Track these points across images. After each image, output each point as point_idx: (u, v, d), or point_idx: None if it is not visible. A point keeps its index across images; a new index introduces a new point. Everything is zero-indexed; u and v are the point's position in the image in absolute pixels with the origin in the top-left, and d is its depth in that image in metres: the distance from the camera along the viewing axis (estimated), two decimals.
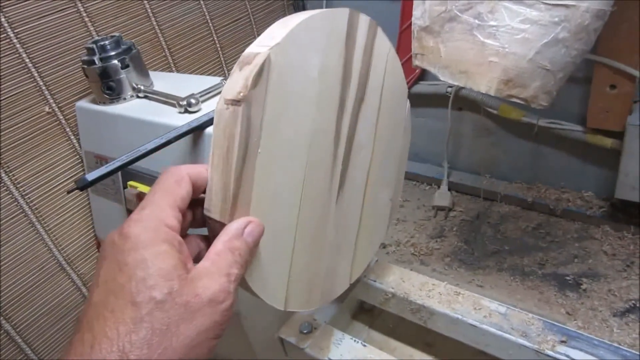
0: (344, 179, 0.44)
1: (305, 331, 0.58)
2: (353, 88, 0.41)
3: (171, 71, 0.82)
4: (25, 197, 0.64)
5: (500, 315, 0.55)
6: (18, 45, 0.60)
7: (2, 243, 0.62)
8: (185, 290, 0.26)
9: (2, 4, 0.58)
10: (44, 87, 0.64)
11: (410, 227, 0.95)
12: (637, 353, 0.49)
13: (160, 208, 0.29)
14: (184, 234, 0.32)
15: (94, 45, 0.61)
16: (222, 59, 0.91)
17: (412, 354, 0.68)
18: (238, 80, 0.32)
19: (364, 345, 0.55)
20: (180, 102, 0.55)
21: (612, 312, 0.69)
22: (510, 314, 0.55)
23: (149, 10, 0.76)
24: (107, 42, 0.61)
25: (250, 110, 0.32)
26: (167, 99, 0.59)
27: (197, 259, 0.31)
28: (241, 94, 0.31)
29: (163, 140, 0.46)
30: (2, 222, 0.62)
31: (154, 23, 0.78)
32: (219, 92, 0.47)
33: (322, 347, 0.56)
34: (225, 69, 0.92)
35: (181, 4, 0.81)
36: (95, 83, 0.62)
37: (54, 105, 0.66)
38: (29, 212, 0.65)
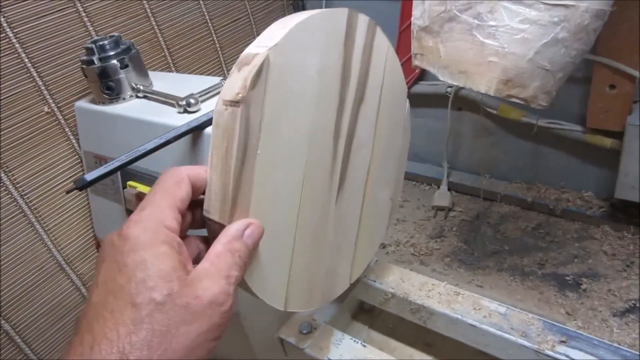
0: (344, 178, 0.44)
1: (305, 331, 0.58)
2: (352, 87, 0.41)
3: (170, 71, 0.82)
4: (25, 197, 0.64)
5: (500, 315, 0.55)
6: (17, 45, 0.60)
7: (1, 243, 0.62)
8: (185, 292, 0.26)
9: (1, 4, 0.58)
10: (43, 87, 0.64)
11: (410, 227, 0.95)
12: (637, 353, 0.49)
13: (160, 209, 0.29)
14: (183, 235, 0.32)
15: (93, 45, 0.61)
16: (221, 59, 0.91)
17: (412, 354, 0.68)
18: (237, 81, 0.32)
19: (364, 346, 0.55)
20: (180, 102, 0.55)
21: (612, 312, 0.69)
22: (510, 314, 0.55)
23: (148, 10, 0.76)
24: (106, 42, 0.61)
25: (249, 111, 0.31)
26: (167, 99, 0.59)
27: (196, 260, 0.31)
28: (240, 95, 0.31)
29: (162, 140, 0.46)
30: (1, 222, 0.62)
31: (154, 23, 0.77)
32: (219, 92, 0.47)
33: (322, 347, 0.56)
34: (224, 69, 0.92)
35: (180, 4, 0.81)
36: (95, 83, 0.62)
37: (53, 105, 0.65)
38: (28, 212, 0.64)
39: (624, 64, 0.68)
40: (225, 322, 0.28)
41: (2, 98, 0.60)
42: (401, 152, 0.53)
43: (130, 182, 0.57)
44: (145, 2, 0.75)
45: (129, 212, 0.60)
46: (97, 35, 0.69)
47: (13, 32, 0.60)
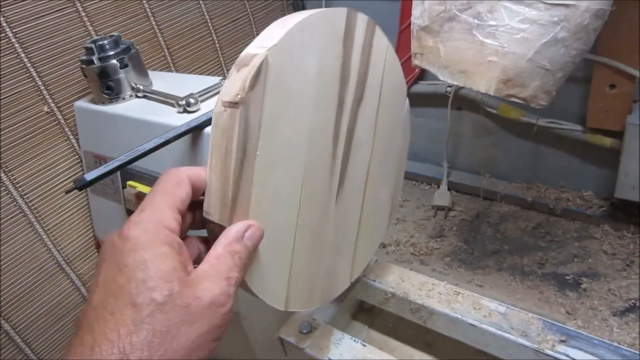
0: (344, 178, 0.44)
1: (304, 331, 0.58)
2: (352, 87, 0.41)
3: (170, 71, 0.82)
4: (24, 197, 0.64)
5: (499, 315, 0.55)
6: (17, 45, 0.60)
7: (1, 243, 0.62)
8: (186, 293, 0.26)
9: (0, 4, 0.58)
10: (42, 87, 0.64)
11: (410, 226, 0.95)
12: (637, 352, 0.49)
13: (160, 210, 0.29)
14: (183, 236, 0.32)
15: (93, 45, 0.61)
16: (221, 58, 0.91)
17: (412, 353, 0.68)
18: (235, 82, 0.32)
19: (364, 345, 0.55)
20: (179, 102, 0.55)
21: (612, 311, 0.69)
22: (510, 314, 0.55)
23: (148, 10, 0.76)
24: (105, 41, 0.61)
25: (248, 112, 0.31)
26: (166, 99, 0.59)
27: (196, 260, 0.31)
28: (239, 96, 0.31)
29: (162, 140, 0.46)
30: (1, 222, 0.62)
31: (153, 23, 0.77)
32: (218, 92, 0.47)
33: (322, 347, 0.56)
34: (224, 68, 0.92)
35: (180, 4, 0.81)
36: (94, 83, 0.62)
37: (52, 105, 0.65)
38: (28, 212, 0.64)
39: (624, 63, 0.68)
40: (226, 323, 0.28)
41: (2, 98, 0.60)
42: (401, 151, 0.53)
43: (130, 182, 0.57)
44: (145, 2, 0.75)
45: (129, 212, 0.60)
46: (97, 35, 0.69)
47: (13, 32, 0.60)
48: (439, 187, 1.01)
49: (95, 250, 0.73)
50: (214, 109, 0.32)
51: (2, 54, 0.59)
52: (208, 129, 0.49)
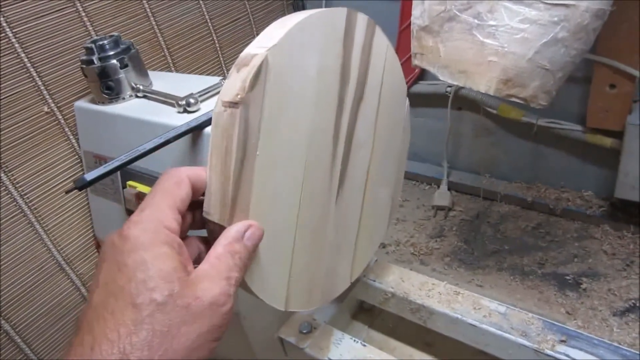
0: (344, 178, 0.44)
1: (304, 331, 0.58)
2: (352, 87, 0.41)
3: (170, 71, 0.82)
4: (24, 197, 0.64)
5: (499, 315, 0.55)
6: (17, 45, 0.60)
7: (1, 243, 0.62)
8: (186, 293, 0.26)
9: (0, 4, 0.58)
10: (42, 87, 0.64)
11: (410, 226, 0.95)
12: (637, 352, 0.49)
13: (160, 210, 0.29)
14: (183, 236, 0.32)
15: (93, 45, 0.61)
16: (221, 58, 0.91)
17: (412, 353, 0.68)
18: (235, 83, 0.32)
19: (364, 345, 0.55)
20: (179, 102, 0.55)
21: (612, 311, 0.69)
22: (510, 314, 0.55)
23: (148, 10, 0.76)
24: (105, 41, 0.61)
25: (248, 112, 0.31)
26: (166, 99, 0.59)
27: (197, 260, 0.31)
28: (239, 97, 0.31)
29: (162, 140, 0.46)
30: (1, 222, 0.62)
31: (153, 23, 0.77)
32: (218, 92, 0.47)
33: (322, 347, 0.56)
34: (224, 68, 0.92)
35: (180, 4, 0.81)
36: (94, 83, 0.62)
37: (52, 105, 0.65)
38: (28, 212, 0.64)
39: (624, 63, 0.68)
40: (226, 324, 0.28)
41: (1, 98, 0.60)
42: (401, 151, 0.53)
43: (130, 182, 0.57)
44: (145, 2, 0.75)
45: (129, 212, 0.60)
46: (97, 35, 0.69)
47: (13, 32, 0.60)
48: (439, 187, 1.01)
49: (95, 250, 0.73)
50: (214, 109, 0.32)
51: (2, 54, 0.59)
52: (208, 129, 0.49)
